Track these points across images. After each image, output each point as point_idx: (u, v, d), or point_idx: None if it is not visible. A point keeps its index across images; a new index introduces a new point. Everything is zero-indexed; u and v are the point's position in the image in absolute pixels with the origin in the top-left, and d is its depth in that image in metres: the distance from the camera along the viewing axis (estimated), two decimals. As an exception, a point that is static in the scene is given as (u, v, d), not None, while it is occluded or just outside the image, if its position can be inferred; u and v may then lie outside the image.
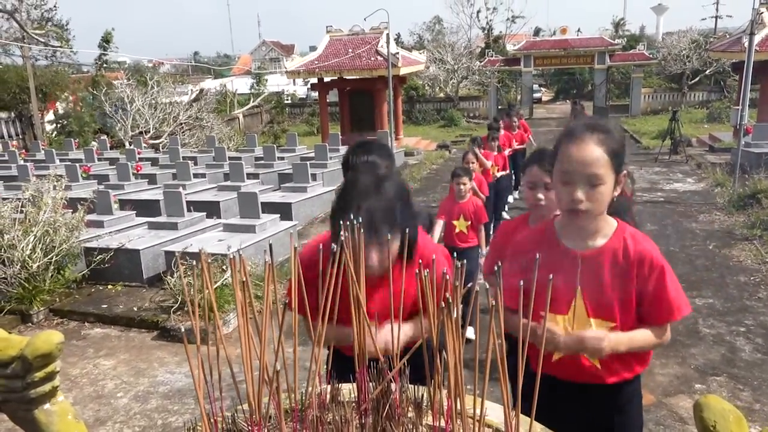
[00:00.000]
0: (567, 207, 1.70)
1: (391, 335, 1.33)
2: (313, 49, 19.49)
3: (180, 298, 5.55)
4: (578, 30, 28.14)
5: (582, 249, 1.76)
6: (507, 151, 8.78)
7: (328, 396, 1.22)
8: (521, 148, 10.49)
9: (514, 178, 9.91)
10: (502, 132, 9.15)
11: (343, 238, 1.17)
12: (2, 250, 5.83)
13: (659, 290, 1.71)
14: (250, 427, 1.13)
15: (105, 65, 22.87)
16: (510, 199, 10.00)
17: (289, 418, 1.23)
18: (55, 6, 23.16)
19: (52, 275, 6.11)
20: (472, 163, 5.80)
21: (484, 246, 4.91)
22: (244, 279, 1.06)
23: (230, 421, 1.20)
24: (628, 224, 1.80)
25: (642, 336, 1.75)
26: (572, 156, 1.66)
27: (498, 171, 7.44)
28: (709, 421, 0.98)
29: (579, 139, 1.66)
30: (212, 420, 1.15)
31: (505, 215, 8.91)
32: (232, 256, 1.08)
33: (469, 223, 4.77)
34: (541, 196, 2.40)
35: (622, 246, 1.73)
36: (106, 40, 22.02)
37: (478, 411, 1.11)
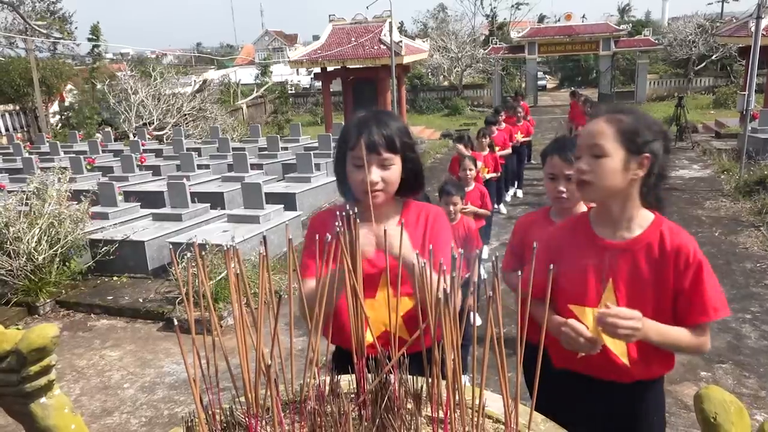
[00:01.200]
0: (574, 179, 1.72)
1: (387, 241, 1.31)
2: (316, 38, 19.39)
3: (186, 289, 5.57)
4: (583, 16, 27.98)
5: (615, 239, 1.70)
6: (509, 148, 8.31)
7: (326, 388, 1.21)
8: (526, 140, 10.17)
9: (517, 173, 9.69)
10: (503, 126, 8.66)
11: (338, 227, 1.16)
12: (8, 243, 5.86)
13: (696, 287, 1.64)
14: (247, 420, 1.12)
15: (99, 57, 22.81)
16: (519, 194, 9.74)
17: (288, 410, 1.22)
18: None
19: (57, 267, 6.15)
20: (471, 170, 5.04)
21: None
22: (239, 270, 1.05)
23: (228, 413, 1.19)
24: (665, 218, 1.71)
25: (677, 332, 1.67)
26: (581, 132, 1.73)
27: (488, 172, 6.48)
28: (709, 412, 0.96)
29: (592, 119, 1.72)
30: (210, 412, 1.14)
31: (502, 208, 8.54)
32: (226, 248, 1.07)
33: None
34: (562, 188, 2.23)
35: (658, 238, 1.66)
36: (94, 34, 22.02)
37: (477, 402, 1.10)
